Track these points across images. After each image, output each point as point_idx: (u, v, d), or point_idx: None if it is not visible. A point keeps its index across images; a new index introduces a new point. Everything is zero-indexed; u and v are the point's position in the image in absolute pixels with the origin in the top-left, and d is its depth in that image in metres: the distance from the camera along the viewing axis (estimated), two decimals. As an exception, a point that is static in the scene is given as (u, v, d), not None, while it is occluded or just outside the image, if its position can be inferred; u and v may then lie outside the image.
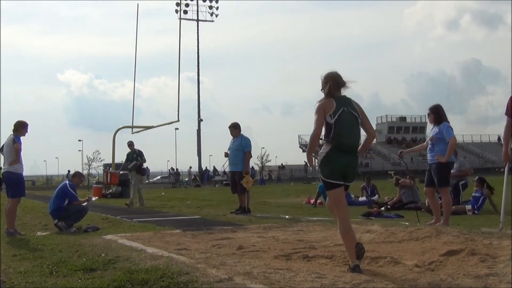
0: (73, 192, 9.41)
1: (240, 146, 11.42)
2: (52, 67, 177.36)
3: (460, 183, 11.40)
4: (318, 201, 14.35)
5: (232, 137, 11.66)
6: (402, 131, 79.99)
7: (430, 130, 8.35)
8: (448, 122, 8.12)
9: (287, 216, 10.49)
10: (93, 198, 11.39)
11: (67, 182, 9.70)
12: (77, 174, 10.33)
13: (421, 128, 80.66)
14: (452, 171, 10.19)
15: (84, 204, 9.67)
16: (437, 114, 8.12)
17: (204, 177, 58.65)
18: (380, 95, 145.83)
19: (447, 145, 7.90)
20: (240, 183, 11.36)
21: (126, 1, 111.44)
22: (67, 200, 9.31)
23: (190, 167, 62.89)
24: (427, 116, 8.47)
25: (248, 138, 11.53)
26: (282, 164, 68.75)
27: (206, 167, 65.43)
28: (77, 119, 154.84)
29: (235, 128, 11.61)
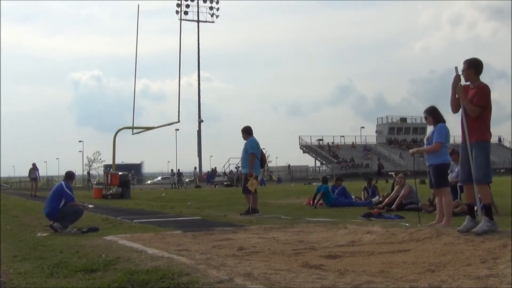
0: (70, 193, 9.30)
1: (247, 148, 11.69)
2: (54, 68, 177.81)
3: (458, 184, 11.37)
4: (319, 202, 14.35)
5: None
6: (402, 132, 79.93)
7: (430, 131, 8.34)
8: (445, 122, 8.11)
9: (289, 218, 10.48)
10: (90, 206, 11.24)
11: (63, 182, 9.55)
12: (71, 175, 10.16)
13: (422, 129, 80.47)
14: (453, 175, 10.18)
15: (80, 206, 9.61)
16: (434, 115, 8.12)
17: (210, 177, 58.61)
18: (385, 95, 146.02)
19: (443, 147, 7.93)
20: (245, 185, 11.66)
21: (132, 1, 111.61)
22: (63, 201, 9.21)
23: (195, 168, 63.00)
24: (424, 119, 8.45)
25: (253, 139, 11.68)
26: (289, 164, 68.82)
27: (215, 167, 65.43)
28: (79, 120, 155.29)
29: (242, 132, 11.96)
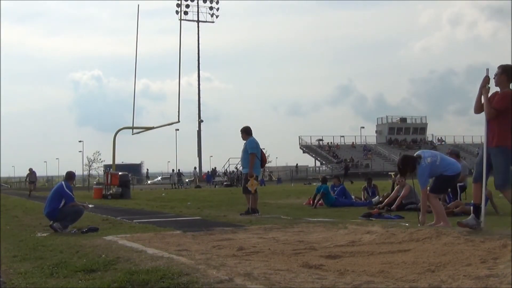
0: (70, 193, 9.26)
1: (246, 148, 11.71)
2: (54, 68, 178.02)
3: (458, 184, 11.36)
4: (319, 202, 14.35)
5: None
6: (402, 132, 79.87)
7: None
8: (416, 159, 7.84)
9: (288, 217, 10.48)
10: (90, 206, 11.22)
11: (63, 182, 9.50)
12: (71, 175, 10.11)
13: (422, 129, 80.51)
14: None
15: (80, 206, 9.58)
16: (408, 165, 7.95)
17: (210, 177, 58.62)
18: (385, 95, 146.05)
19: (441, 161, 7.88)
20: (245, 185, 11.67)
21: (132, 1, 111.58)
22: (63, 202, 9.18)
23: (195, 168, 62.99)
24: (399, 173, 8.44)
25: (252, 139, 11.70)
26: (297, 164, 68.84)
27: (215, 167, 65.44)
28: (79, 120, 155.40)
29: (241, 133, 11.97)
